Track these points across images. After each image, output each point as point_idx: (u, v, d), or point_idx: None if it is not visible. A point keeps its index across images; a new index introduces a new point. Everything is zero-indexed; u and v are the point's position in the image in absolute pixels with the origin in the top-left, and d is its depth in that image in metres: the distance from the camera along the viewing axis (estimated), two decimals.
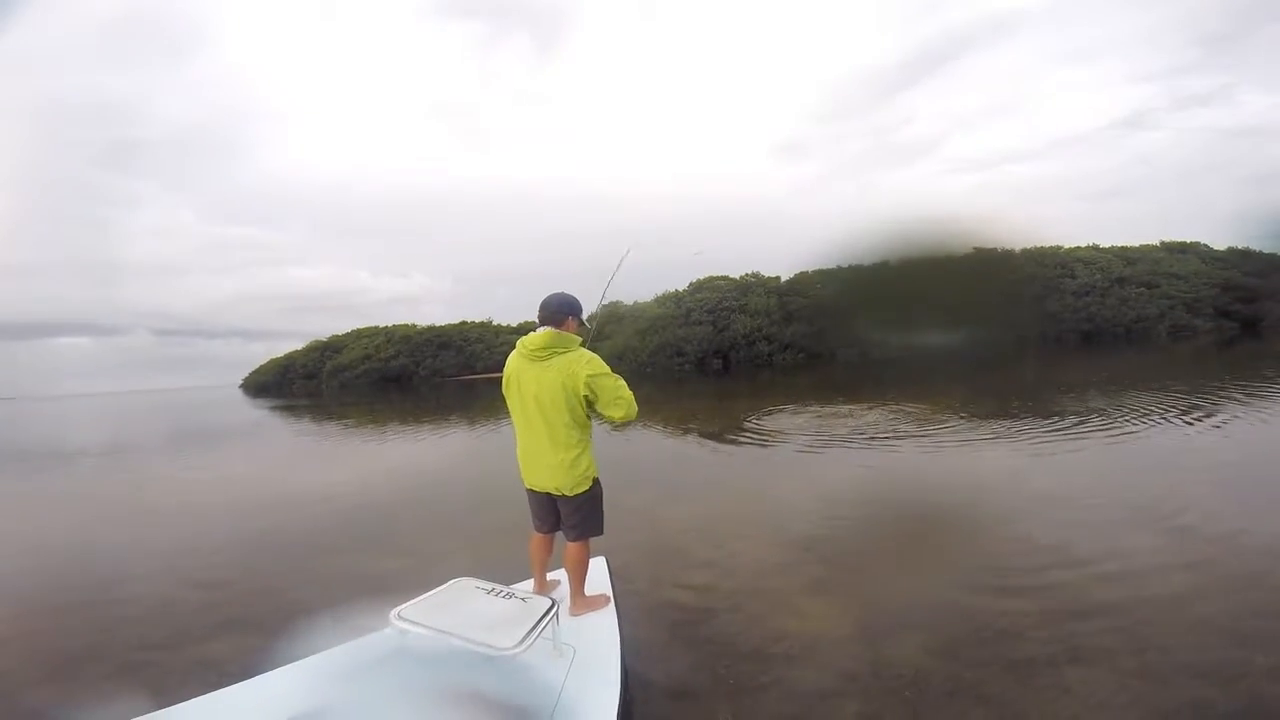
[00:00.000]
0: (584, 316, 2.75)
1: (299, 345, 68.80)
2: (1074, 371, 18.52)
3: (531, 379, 2.57)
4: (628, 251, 3.23)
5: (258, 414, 27.14)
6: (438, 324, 63.28)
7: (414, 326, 63.58)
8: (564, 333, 2.60)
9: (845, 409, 11.42)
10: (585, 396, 2.55)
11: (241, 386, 72.49)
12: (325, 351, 64.31)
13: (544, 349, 2.56)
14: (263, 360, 71.65)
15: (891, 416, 9.87)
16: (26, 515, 7.46)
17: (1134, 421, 7.71)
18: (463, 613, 2.05)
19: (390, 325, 64.74)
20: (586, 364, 2.54)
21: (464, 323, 62.05)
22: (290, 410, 27.16)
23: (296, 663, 2.27)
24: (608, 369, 2.58)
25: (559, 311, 2.63)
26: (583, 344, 2.66)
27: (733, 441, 8.63)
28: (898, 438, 7.90)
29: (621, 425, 2.68)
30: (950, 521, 4.49)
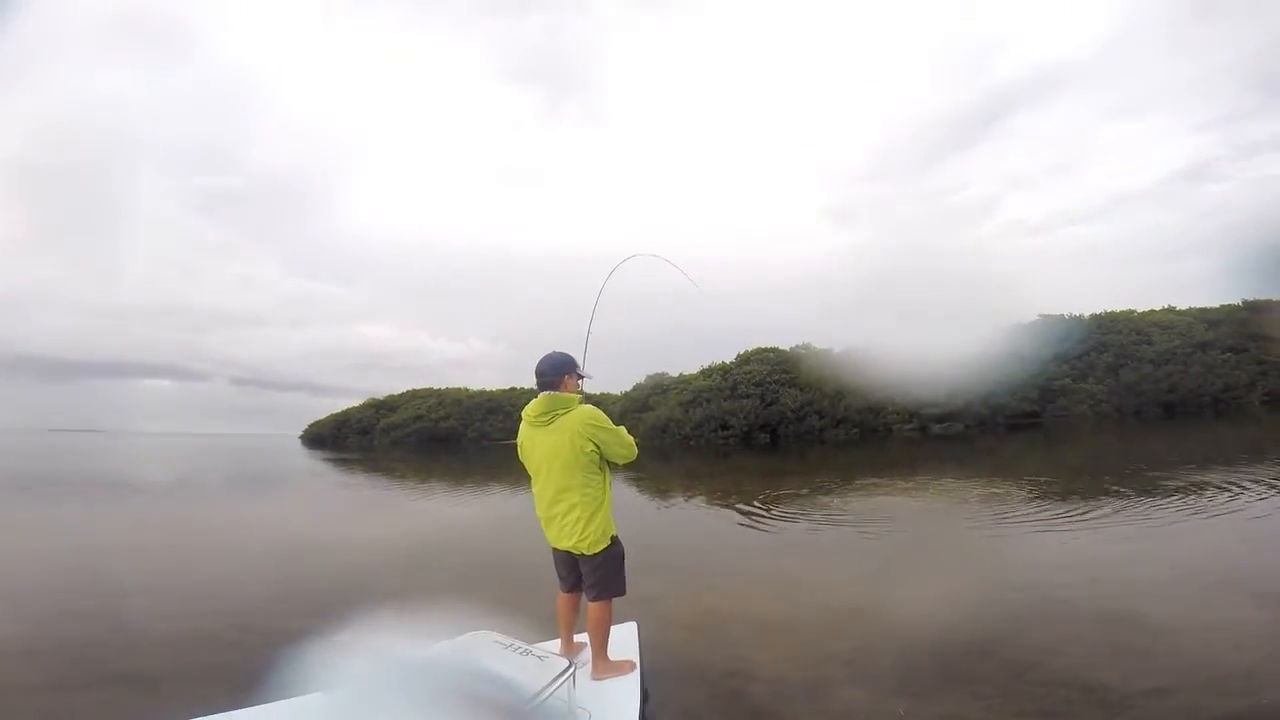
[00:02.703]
0: (580, 369, 2.85)
1: (358, 402, 71.00)
2: (1156, 445, 16.73)
3: (540, 443, 2.67)
4: (623, 260, 3.48)
5: (308, 463, 28.46)
6: (488, 389, 64.42)
7: (466, 390, 64.92)
8: (560, 394, 2.68)
9: (903, 484, 10.51)
10: (592, 452, 2.60)
11: (300, 437, 74.84)
12: (380, 409, 66.12)
13: (545, 414, 2.65)
14: (324, 415, 74.05)
15: (954, 497, 8.89)
16: (38, 543, 7.88)
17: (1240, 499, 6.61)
18: (475, 667, 2.02)
19: (444, 388, 66.34)
20: (589, 418, 2.62)
21: (513, 389, 62.89)
22: (339, 462, 28.02)
23: (299, 697, 2.29)
24: (608, 422, 2.65)
25: (554, 373, 2.71)
26: (582, 400, 2.75)
27: (770, 523, 7.78)
28: (964, 522, 6.97)
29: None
30: (1034, 631, 3.57)
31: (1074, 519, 6.76)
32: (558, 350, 2.78)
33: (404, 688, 1.92)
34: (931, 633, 3.65)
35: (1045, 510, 7.41)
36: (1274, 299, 40.19)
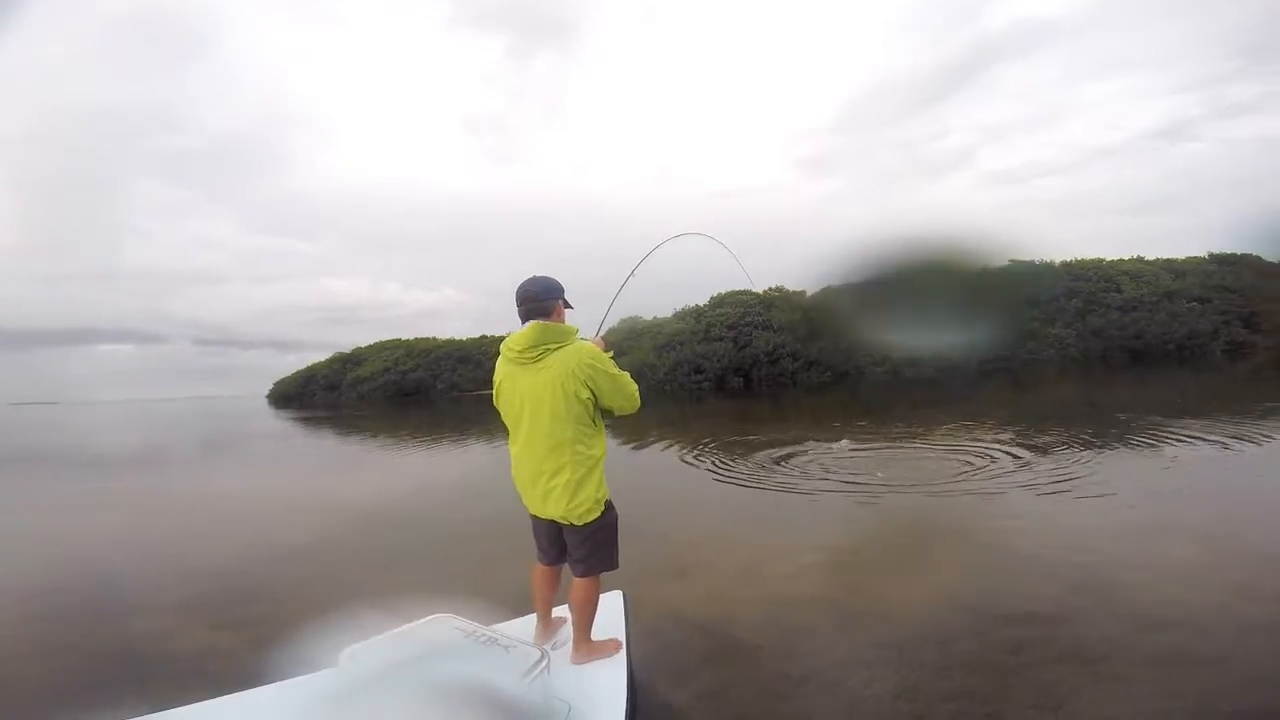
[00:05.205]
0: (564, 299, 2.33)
1: (325, 356, 69.04)
2: (1124, 391, 16.82)
3: (524, 385, 2.19)
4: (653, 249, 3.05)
5: (272, 424, 27.59)
6: (457, 338, 63.00)
7: (434, 340, 63.36)
8: (554, 324, 2.20)
9: (876, 433, 10.22)
10: (587, 399, 2.15)
11: (267, 396, 73.17)
12: (347, 363, 64.51)
13: (534, 347, 2.15)
14: (291, 372, 71.97)
15: (928, 449, 8.60)
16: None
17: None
18: (431, 660, 1.81)
19: (412, 338, 64.70)
20: (588, 357, 2.15)
21: (484, 337, 61.60)
22: (306, 422, 27.24)
23: (240, 693, 2.09)
24: (611, 364, 2.22)
25: (545, 298, 2.21)
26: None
27: (736, 477, 7.34)
28: (954, 482, 6.64)
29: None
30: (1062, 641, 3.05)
31: (1053, 477, 6.44)
32: (542, 274, 2.27)
33: (355, 687, 1.70)
34: (922, 634, 3.19)
35: (1024, 468, 7.12)
36: (1240, 254, 41.47)
